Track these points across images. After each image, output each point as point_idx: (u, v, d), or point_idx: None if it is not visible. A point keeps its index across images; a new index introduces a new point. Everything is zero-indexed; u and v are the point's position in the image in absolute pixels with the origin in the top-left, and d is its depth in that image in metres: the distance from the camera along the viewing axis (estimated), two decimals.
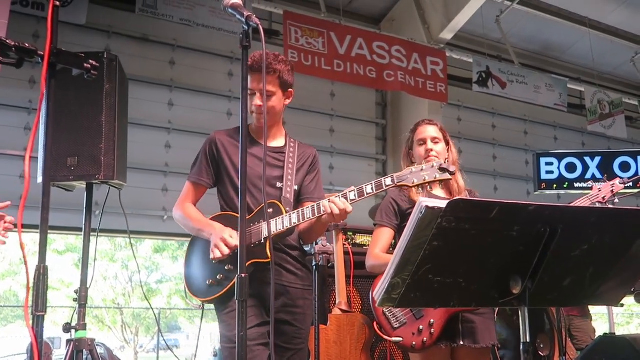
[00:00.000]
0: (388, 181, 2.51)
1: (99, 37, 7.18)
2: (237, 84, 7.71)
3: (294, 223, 2.53)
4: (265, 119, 2.14)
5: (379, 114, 9.34)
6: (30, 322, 1.55)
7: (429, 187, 2.69)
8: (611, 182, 3.69)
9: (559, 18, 9.11)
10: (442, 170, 2.46)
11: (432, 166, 2.50)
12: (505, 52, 9.39)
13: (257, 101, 2.61)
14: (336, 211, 2.45)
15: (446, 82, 8.30)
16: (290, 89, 2.71)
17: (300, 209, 2.55)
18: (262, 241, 2.51)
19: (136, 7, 6.72)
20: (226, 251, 2.48)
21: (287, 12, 7.44)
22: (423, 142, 3.01)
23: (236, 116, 7.75)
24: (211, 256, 2.52)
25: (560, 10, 9.09)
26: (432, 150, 2.98)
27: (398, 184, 2.52)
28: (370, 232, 3.21)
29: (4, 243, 2.50)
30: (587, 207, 2.98)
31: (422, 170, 2.50)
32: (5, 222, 2.47)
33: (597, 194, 3.68)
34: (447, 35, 8.49)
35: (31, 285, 1.57)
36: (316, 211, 2.50)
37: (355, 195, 2.49)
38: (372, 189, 2.50)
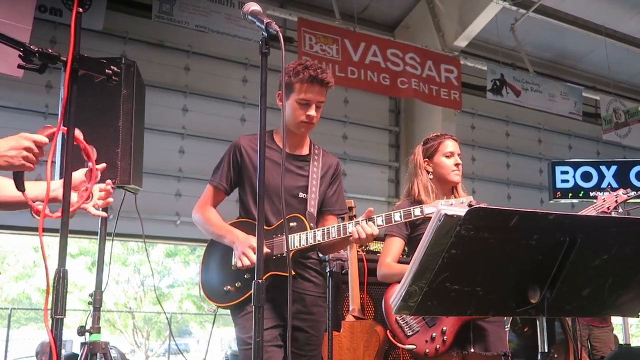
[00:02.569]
0: (417, 212, 2.59)
1: (115, 43, 7.25)
2: (252, 91, 7.87)
3: (319, 241, 2.56)
4: (284, 129, 2.14)
5: (393, 122, 9.34)
6: (50, 325, 1.56)
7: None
8: (615, 193, 3.71)
9: (574, 26, 9.07)
10: (471, 207, 2.51)
11: (462, 202, 2.57)
12: (520, 60, 9.35)
13: (313, 112, 2.62)
14: (363, 235, 2.50)
15: (460, 90, 8.29)
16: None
17: (326, 228, 2.57)
18: (284, 254, 2.52)
19: (152, 13, 6.78)
20: (253, 258, 2.48)
21: (302, 19, 7.47)
22: (451, 155, 3.05)
23: (250, 122, 7.80)
24: (238, 264, 2.53)
25: (576, 19, 9.05)
26: (460, 165, 3.05)
27: (426, 216, 2.59)
28: (384, 240, 3.23)
29: (110, 203, 2.31)
30: (608, 216, 2.98)
31: (451, 205, 2.55)
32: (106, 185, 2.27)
33: (602, 204, 3.69)
34: (462, 43, 8.48)
35: (51, 288, 1.58)
36: (342, 232, 2.54)
37: (383, 222, 2.55)
38: (400, 217, 2.58)
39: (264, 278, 2.45)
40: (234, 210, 2.85)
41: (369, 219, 2.52)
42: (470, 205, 2.48)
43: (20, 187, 1.84)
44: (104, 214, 2.45)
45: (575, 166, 8.63)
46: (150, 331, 20.23)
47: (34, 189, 1.95)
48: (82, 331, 2.91)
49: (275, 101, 2.71)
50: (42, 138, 1.83)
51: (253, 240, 2.51)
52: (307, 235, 2.55)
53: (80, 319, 11.85)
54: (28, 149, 1.80)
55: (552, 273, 1.69)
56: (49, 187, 1.73)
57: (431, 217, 2.53)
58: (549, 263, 1.68)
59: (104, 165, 2.16)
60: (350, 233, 2.51)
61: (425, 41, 8.47)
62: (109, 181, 2.31)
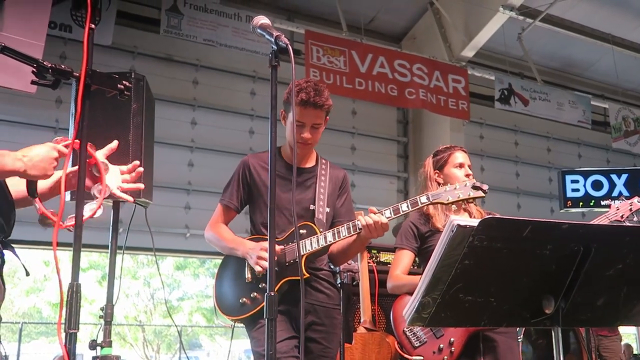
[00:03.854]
0: (423, 199, 2.58)
1: (124, 58, 7.31)
2: (260, 103, 7.90)
3: (329, 241, 2.57)
4: (295, 149, 2.14)
5: (401, 132, 9.34)
6: (63, 339, 1.56)
7: (454, 206, 2.71)
8: (629, 201, 3.64)
9: (581, 35, 9.07)
10: (476, 188, 2.52)
11: (466, 185, 2.57)
12: (528, 69, 9.35)
13: (307, 134, 2.64)
14: (370, 222, 2.49)
15: (468, 99, 8.29)
16: (327, 116, 2.75)
17: (335, 228, 2.59)
18: (297, 259, 2.53)
19: (161, 27, 6.84)
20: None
21: (309, 32, 7.51)
22: (461, 166, 3.06)
23: (258, 134, 7.82)
24: (257, 269, 2.54)
25: (583, 27, 9.05)
26: (470, 175, 3.05)
27: (433, 202, 2.60)
28: (394, 250, 3.23)
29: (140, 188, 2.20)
30: (622, 225, 2.95)
31: (455, 188, 2.57)
32: (134, 170, 2.14)
33: (616, 212, 3.63)
34: (469, 53, 8.49)
35: (64, 302, 1.58)
36: (352, 229, 2.54)
37: (391, 213, 2.55)
38: (407, 206, 2.57)
39: (279, 285, 2.47)
40: (243, 223, 2.86)
41: (377, 212, 2.53)
42: (474, 186, 2.52)
43: (33, 193, 1.86)
44: (130, 198, 2.24)
45: (586, 175, 8.59)
46: (160, 344, 20.20)
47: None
48: (93, 345, 2.90)
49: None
50: (64, 149, 1.84)
51: (264, 243, 2.54)
52: (317, 238, 2.57)
53: (90, 332, 11.86)
54: (56, 159, 1.83)
55: (566, 283, 1.68)
56: (63, 200, 1.74)
57: (437, 203, 2.57)
58: (563, 273, 1.67)
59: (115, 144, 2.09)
60: (360, 228, 2.52)
61: (432, 51, 8.49)
62: (136, 162, 2.21)
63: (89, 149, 1.85)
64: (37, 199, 1.88)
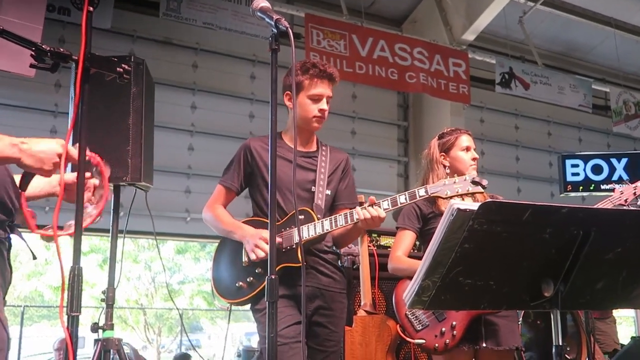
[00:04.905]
0: (422, 192, 2.59)
1: (123, 41, 7.26)
2: (260, 87, 7.87)
3: (326, 229, 2.58)
4: (295, 125, 2.14)
5: (401, 116, 9.32)
6: (65, 322, 1.57)
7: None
8: (634, 185, 3.63)
9: (583, 18, 9.00)
10: (475, 183, 2.53)
11: (465, 179, 2.57)
12: (529, 53, 9.30)
13: (324, 105, 2.68)
14: (368, 217, 2.51)
15: (468, 83, 8.25)
16: None
17: (333, 217, 2.60)
18: (294, 246, 2.56)
19: (160, 11, 6.79)
20: (266, 248, 2.51)
21: (309, 15, 7.45)
22: (468, 149, 3.06)
23: (258, 118, 7.79)
24: (252, 257, 2.56)
25: (585, 11, 8.98)
26: (477, 159, 3.06)
27: (431, 195, 2.59)
28: (394, 234, 3.24)
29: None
30: (621, 209, 2.95)
31: (455, 183, 2.57)
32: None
33: (619, 196, 3.61)
34: (470, 36, 8.43)
35: (66, 286, 1.59)
36: (348, 219, 2.55)
37: (388, 205, 2.56)
38: (405, 199, 2.58)
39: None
40: (243, 207, 2.86)
41: (374, 203, 2.54)
42: (474, 181, 2.53)
43: (23, 186, 1.79)
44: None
45: (586, 159, 8.58)
46: (161, 327, 20.33)
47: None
48: (95, 328, 2.93)
49: (282, 98, 2.74)
50: (74, 152, 1.76)
51: (263, 232, 2.56)
52: (314, 226, 2.59)
53: (92, 315, 11.94)
54: (60, 156, 1.74)
55: (566, 266, 1.69)
56: (60, 199, 1.71)
57: (435, 197, 2.59)
58: (563, 256, 1.68)
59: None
60: (357, 218, 2.54)
61: (432, 35, 8.44)
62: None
63: (90, 153, 1.79)
64: (23, 193, 1.80)
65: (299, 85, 2.67)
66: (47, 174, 1.76)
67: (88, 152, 1.77)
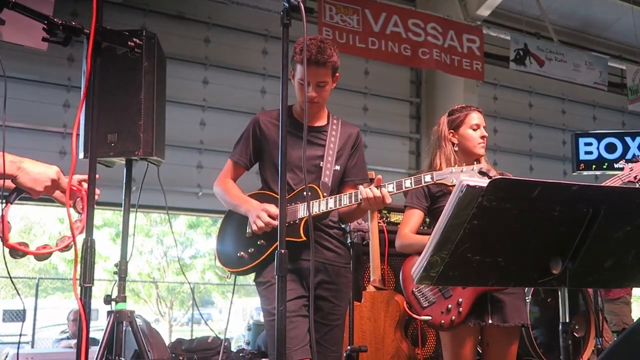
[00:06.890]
0: (427, 178, 2.57)
1: (135, 15, 7.25)
2: (272, 62, 7.84)
3: (330, 208, 2.59)
4: (306, 110, 2.14)
5: (413, 93, 9.25)
6: (79, 293, 1.60)
7: None
8: None
9: None
10: (482, 174, 2.50)
11: (472, 169, 2.53)
12: (544, 29, 9.16)
13: (312, 93, 2.64)
14: (371, 196, 2.50)
15: (482, 60, 8.16)
16: (337, 74, 2.72)
17: (337, 196, 2.60)
18: (297, 221, 2.58)
19: None
20: (267, 219, 2.54)
21: None
22: (477, 127, 3.02)
23: (270, 94, 7.78)
24: (253, 227, 2.59)
25: None
26: (485, 137, 3.02)
27: (437, 182, 2.57)
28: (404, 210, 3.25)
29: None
30: (631, 187, 2.93)
31: (462, 171, 2.53)
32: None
33: (629, 173, 3.58)
34: (484, 12, 8.32)
35: (79, 257, 1.62)
36: (353, 199, 2.55)
37: (393, 188, 2.55)
38: (410, 183, 2.57)
39: (275, 245, 2.51)
40: (253, 181, 2.88)
41: (380, 185, 2.53)
42: (481, 172, 2.51)
43: (9, 199, 1.85)
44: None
45: (599, 137, 8.51)
46: (173, 300, 20.60)
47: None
48: (108, 300, 2.97)
49: None
50: (64, 183, 1.84)
51: (267, 205, 2.59)
52: (319, 203, 2.60)
53: (105, 288, 12.10)
54: (53, 181, 1.82)
55: (574, 244, 1.69)
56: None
57: (440, 184, 2.59)
58: (571, 234, 1.68)
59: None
60: (361, 199, 2.53)
61: (446, 10, 8.33)
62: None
63: (79, 186, 1.86)
64: (6, 207, 1.84)
65: (295, 65, 2.66)
66: (36, 194, 1.84)
67: (76, 184, 1.87)
